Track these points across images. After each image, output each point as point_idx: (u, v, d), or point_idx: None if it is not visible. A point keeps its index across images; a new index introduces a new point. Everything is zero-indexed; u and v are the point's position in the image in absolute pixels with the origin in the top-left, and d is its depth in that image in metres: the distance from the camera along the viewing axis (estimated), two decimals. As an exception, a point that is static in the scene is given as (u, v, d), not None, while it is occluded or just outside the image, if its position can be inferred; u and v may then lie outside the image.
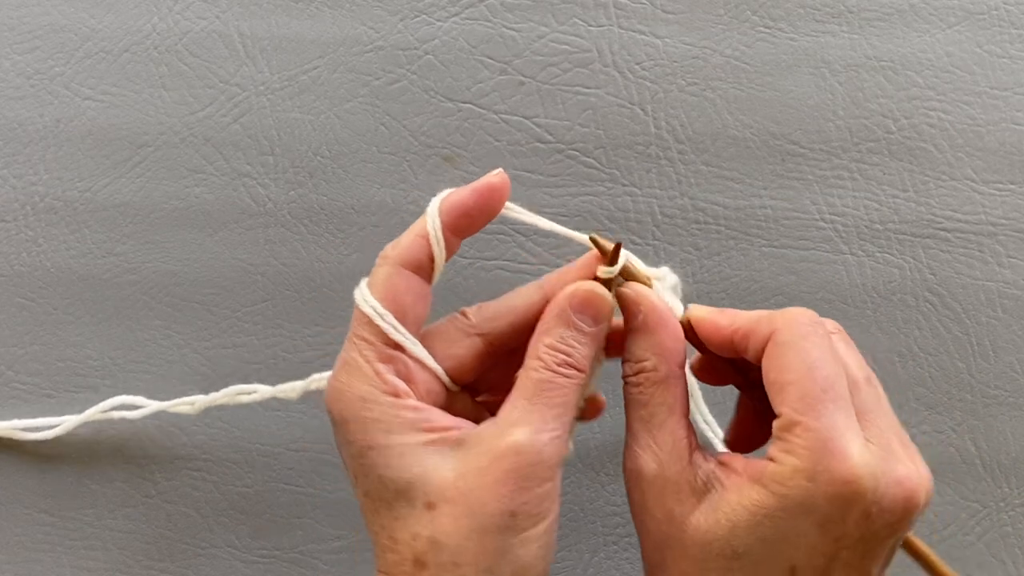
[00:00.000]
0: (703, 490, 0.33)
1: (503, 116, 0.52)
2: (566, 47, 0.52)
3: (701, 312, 0.36)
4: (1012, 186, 0.51)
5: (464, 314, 0.37)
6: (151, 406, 0.47)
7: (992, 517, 0.49)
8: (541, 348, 0.34)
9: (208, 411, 0.49)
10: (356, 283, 0.36)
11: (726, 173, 0.51)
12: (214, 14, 0.53)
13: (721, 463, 0.34)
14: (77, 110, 0.52)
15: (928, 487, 0.32)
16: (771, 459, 0.32)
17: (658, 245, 0.51)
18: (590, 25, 0.53)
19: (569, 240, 0.38)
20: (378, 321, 0.34)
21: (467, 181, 0.36)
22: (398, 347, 0.35)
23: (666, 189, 0.51)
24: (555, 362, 0.34)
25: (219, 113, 0.52)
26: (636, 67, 0.52)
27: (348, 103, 0.52)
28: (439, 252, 0.35)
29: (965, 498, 0.49)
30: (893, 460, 0.32)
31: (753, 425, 0.38)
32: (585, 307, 0.35)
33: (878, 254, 0.51)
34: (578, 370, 0.34)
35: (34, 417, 0.49)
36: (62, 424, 0.48)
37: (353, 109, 0.52)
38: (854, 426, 0.32)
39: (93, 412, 0.48)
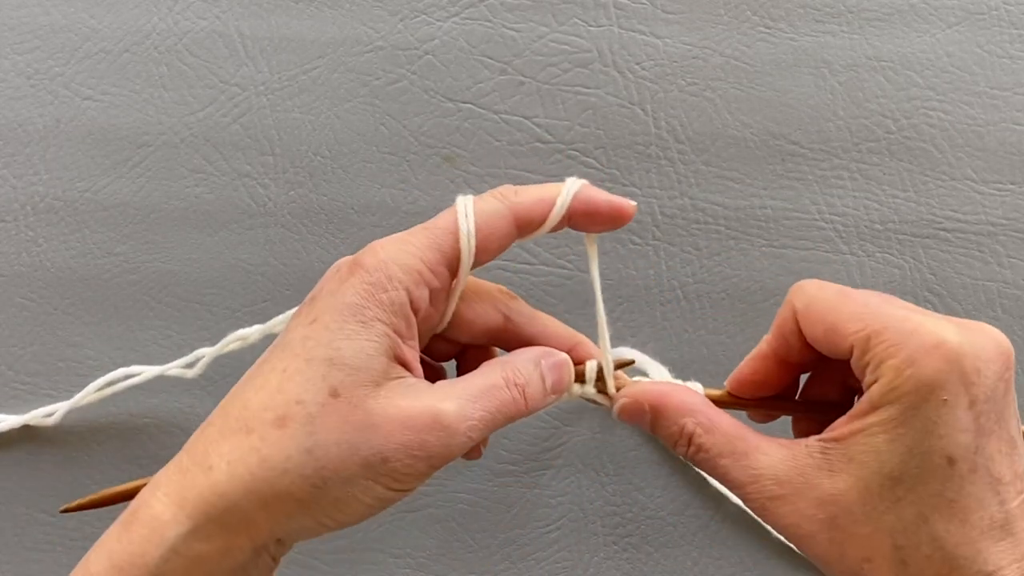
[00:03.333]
0: (824, 460, 0.33)
1: (503, 116, 0.52)
2: (566, 47, 0.52)
3: (736, 372, 0.37)
4: (1012, 186, 0.51)
5: (509, 295, 0.37)
6: (149, 371, 0.47)
7: (992, 517, 0.49)
8: (510, 364, 0.35)
9: (209, 411, 0.49)
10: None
11: (726, 173, 0.51)
12: (214, 14, 0.53)
13: (818, 437, 0.34)
14: (77, 110, 0.52)
15: (1003, 335, 0.34)
16: (869, 385, 0.33)
17: (658, 245, 0.51)
18: (590, 25, 0.53)
19: (576, 241, 0.38)
20: (463, 243, 0.34)
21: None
22: (452, 273, 0.35)
23: (666, 189, 0.51)
24: (515, 380, 0.34)
25: (219, 113, 0.52)
26: (636, 67, 0.52)
27: (348, 103, 0.52)
28: (550, 224, 0.35)
29: (965, 498, 0.49)
30: (958, 320, 0.33)
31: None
32: (553, 369, 0.36)
33: (878, 254, 0.51)
34: (525, 401, 0.35)
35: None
36: (65, 405, 0.48)
37: (353, 109, 0.52)
38: (909, 306, 0.33)
39: (92, 389, 0.48)
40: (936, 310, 0.50)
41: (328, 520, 0.33)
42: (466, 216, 0.34)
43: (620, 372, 0.37)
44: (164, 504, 0.32)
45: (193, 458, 0.33)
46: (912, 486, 0.32)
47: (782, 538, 0.35)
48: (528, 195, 0.35)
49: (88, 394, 0.48)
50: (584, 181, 0.36)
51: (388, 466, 0.32)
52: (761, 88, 0.52)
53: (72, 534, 0.48)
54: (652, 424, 0.36)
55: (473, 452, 0.38)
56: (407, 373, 0.33)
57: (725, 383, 0.37)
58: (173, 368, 0.47)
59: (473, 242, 0.34)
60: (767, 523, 0.34)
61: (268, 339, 0.48)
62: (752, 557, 0.49)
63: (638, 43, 0.52)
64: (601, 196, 0.36)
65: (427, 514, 0.49)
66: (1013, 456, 0.32)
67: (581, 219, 0.36)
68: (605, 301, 0.50)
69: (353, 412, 0.32)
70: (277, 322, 0.44)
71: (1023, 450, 0.33)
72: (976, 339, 0.32)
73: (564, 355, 0.36)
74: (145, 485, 0.34)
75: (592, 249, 0.37)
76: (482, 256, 0.35)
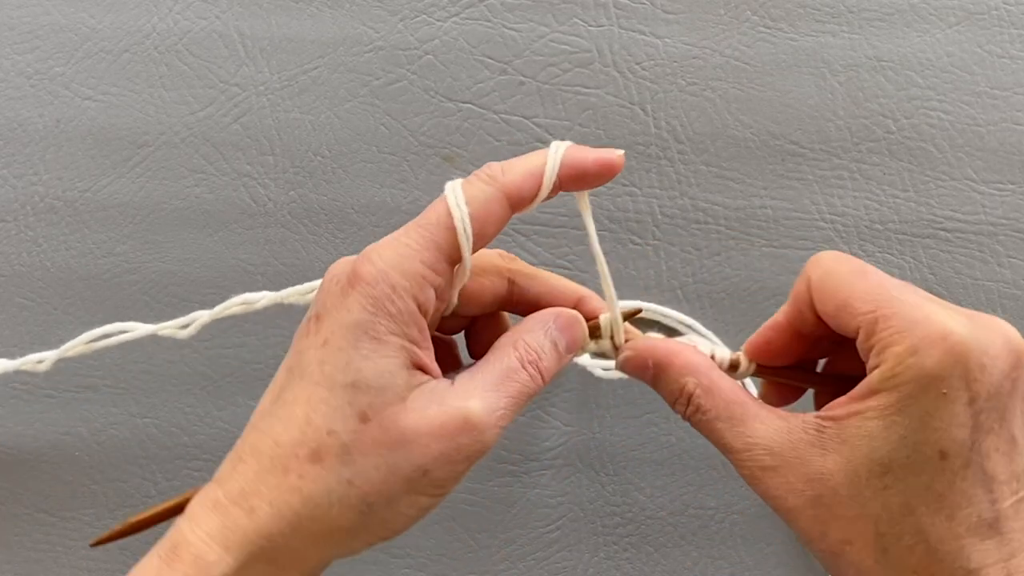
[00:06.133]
0: (818, 438, 0.33)
1: (503, 116, 0.52)
2: (566, 47, 0.52)
3: (752, 338, 0.37)
4: (1012, 186, 0.51)
5: (509, 258, 0.37)
6: (142, 328, 0.45)
7: (992, 517, 0.49)
8: (521, 341, 0.35)
9: (208, 411, 0.49)
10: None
11: (726, 173, 0.51)
12: (214, 14, 0.53)
13: (816, 414, 0.34)
14: (77, 110, 0.52)
15: (1015, 331, 0.33)
16: (872, 369, 0.32)
17: (658, 245, 0.51)
18: (590, 25, 0.53)
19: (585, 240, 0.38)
20: (460, 236, 0.33)
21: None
22: (452, 265, 0.34)
23: (666, 189, 0.51)
24: (528, 359, 0.34)
25: (219, 113, 0.52)
26: (636, 67, 0.52)
27: (348, 103, 0.52)
28: (543, 196, 0.35)
29: (965, 498, 0.49)
30: (970, 313, 0.32)
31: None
32: (565, 330, 0.35)
33: (878, 254, 0.51)
34: (542, 377, 0.34)
35: (34, 419, 0.49)
36: (55, 353, 0.47)
37: (353, 109, 0.52)
38: (923, 294, 0.33)
39: (80, 341, 0.46)
40: (936, 310, 0.50)
41: (375, 539, 0.33)
42: (459, 207, 0.33)
43: (630, 326, 0.37)
44: (207, 545, 0.32)
45: (231, 497, 0.32)
46: (901, 475, 0.31)
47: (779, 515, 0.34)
48: (516, 171, 0.34)
49: (80, 343, 0.46)
50: (568, 143, 0.35)
51: (430, 477, 0.32)
52: (761, 88, 0.52)
53: (72, 535, 0.48)
54: (654, 379, 0.36)
55: None
56: (427, 377, 0.33)
57: (742, 348, 0.37)
58: (167, 328, 0.45)
59: (470, 232, 0.33)
60: (755, 491, 0.34)
61: (278, 308, 0.47)
62: (752, 557, 0.49)
63: (638, 43, 0.52)
64: (589, 156, 0.35)
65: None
66: (1012, 455, 0.32)
67: (572, 183, 0.35)
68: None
69: (386, 433, 0.32)
70: (289, 292, 0.44)
71: None
72: (985, 334, 0.31)
73: (573, 313, 0.36)
74: (170, 509, 0.34)
75: (584, 203, 0.36)
76: (480, 242, 0.34)
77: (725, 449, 0.34)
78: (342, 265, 0.34)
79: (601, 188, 0.51)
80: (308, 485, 0.32)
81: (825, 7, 0.53)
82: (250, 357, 0.50)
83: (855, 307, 0.33)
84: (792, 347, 0.37)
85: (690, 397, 0.35)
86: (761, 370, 0.37)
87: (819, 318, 0.35)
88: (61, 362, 0.50)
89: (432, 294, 0.33)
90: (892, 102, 0.52)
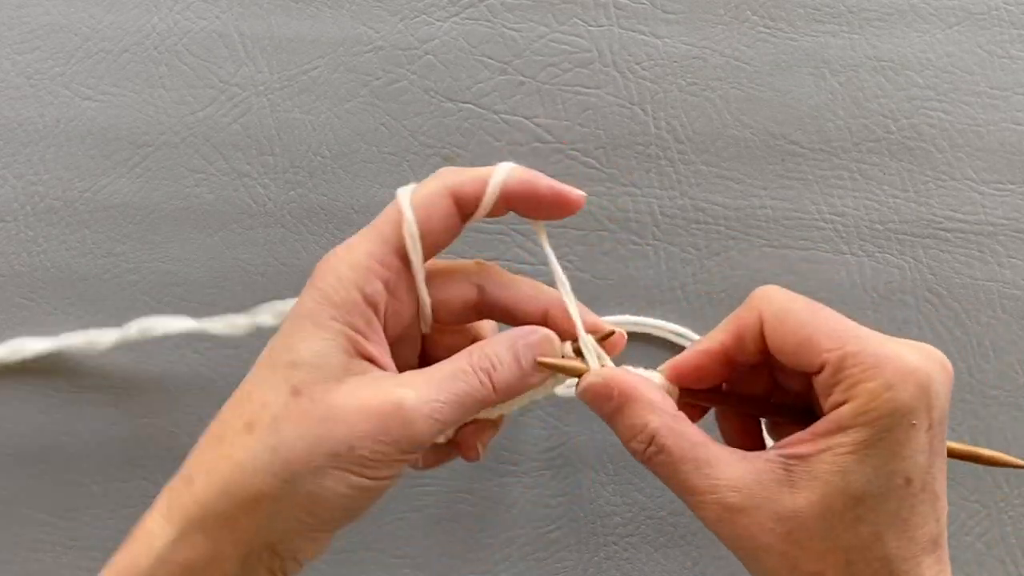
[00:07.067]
0: (788, 475, 0.33)
1: (503, 116, 0.52)
2: (566, 47, 0.52)
3: (678, 361, 0.37)
4: (1012, 186, 0.51)
5: (482, 265, 0.38)
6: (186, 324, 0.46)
7: (992, 517, 0.49)
8: (477, 351, 0.35)
9: (209, 411, 0.49)
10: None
11: (726, 173, 0.51)
12: (214, 14, 0.53)
13: (779, 448, 0.34)
14: (77, 110, 0.52)
15: (943, 355, 0.34)
16: (839, 404, 0.33)
17: (658, 245, 0.51)
18: (590, 25, 0.53)
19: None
20: (405, 228, 0.34)
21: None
22: (404, 261, 0.35)
23: (666, 189, 0.51)
24: (480, 366, 0.35)
25: (219, 113, 0.52)
26: (636, 67, 0.52)
27: (348, 103, 0.52)
28: (487, 203, 0.35)
29: (965, 498, 0.49)
30: (911, 343, 0.34)
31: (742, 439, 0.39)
32: (533, 346, 0.35)
33: (878, 254, 0.51)
34: (492, 387, 0.35)
35: (34, 419, 0.49)
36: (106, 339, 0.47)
37: (353, 109, 0.52)
38: (877, 332, 0.34)
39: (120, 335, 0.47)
40: (936, 310, 0.50)
41: (307, 517, 0.33)
42: (403, 197, 0.35)
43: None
44: (154, 519, 0.33)
45: (180, 475, 0.34)
46: (873, 505, 0.32)
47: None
48: (466, 175, 0.35)
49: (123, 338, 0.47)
50: (514, 165, 0.36)
51: (355, 454, 0.32)
52: (761, 88, 0.52)
53: (72, 534, 0.48)
54: (613, 412, 0.35)
55: (470, 453, 0.38)
56: (372, 368, 0.34)
57: (661, 370, 0.37)
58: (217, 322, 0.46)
59: (414, 225, 0.34)
60: (718, 533, 0.34)
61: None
62: (752, 557, 0.49)
63: (638, 43, 0.52)
64: (542, 181, 0.36)
65: (427, 514, 0.49)
66: (945, 472, 0.34)
67: (521, 203, 0.36)
68: (605, 301, 0.50)
69: (315, 407, 0.33)
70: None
71: None
72: (933, 364, 0.33)
73: (545, 332, 0.36)
74: None
75: (542, 235, 0.37)
76: (429, 238, 0.35)
77: (688, 491, 0.34)
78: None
79: (601, 188, 0.51)
80: (237, 452, 0.33)
81: (825, 7, 0.53)
82: (250, 357, 0.49)
83: (820, 344, 0.33)
84: (718, 374, 0.37)
85: (653, 436, 0.34)
86: (682, 393, 0.37)
87: (761, 350, 0.35)
88: (60, 361, 0.50)
89: (379, 286, 0.34)
90: (892, 102, 0.52)
